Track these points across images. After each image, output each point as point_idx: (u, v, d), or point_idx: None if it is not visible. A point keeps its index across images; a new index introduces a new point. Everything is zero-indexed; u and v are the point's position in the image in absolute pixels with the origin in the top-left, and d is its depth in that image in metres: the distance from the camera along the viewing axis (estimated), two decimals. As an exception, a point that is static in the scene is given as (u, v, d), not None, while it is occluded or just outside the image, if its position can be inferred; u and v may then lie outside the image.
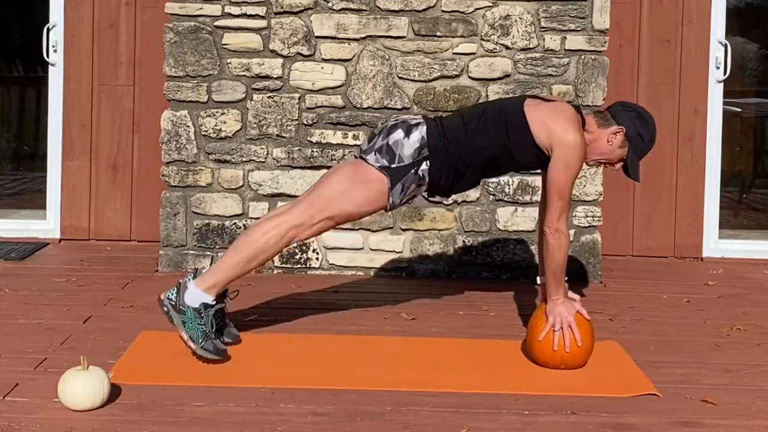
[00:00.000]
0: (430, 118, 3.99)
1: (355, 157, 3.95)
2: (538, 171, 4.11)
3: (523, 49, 5.35)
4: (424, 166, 3.89)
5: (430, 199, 4.17)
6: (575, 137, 3.84)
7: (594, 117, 4.01)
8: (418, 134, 3.89)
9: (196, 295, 3.76)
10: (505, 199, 5.38)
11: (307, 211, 3.85)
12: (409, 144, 3.87)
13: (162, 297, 3.80)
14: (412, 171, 3.88)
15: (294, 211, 3.87)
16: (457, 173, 3.94)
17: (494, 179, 5.30)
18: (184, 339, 3.73)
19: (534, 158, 3.93)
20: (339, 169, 3.98)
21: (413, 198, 4.03)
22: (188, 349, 3.75)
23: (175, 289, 3.78)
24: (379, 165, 3.86)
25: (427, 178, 3.90)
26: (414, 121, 3.94)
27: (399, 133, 3.89)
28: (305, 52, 5.34)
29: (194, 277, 3.80)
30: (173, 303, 3.76)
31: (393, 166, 3.86)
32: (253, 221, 5.36)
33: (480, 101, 5.31)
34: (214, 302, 3.78)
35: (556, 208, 3.85)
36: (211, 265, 5.34)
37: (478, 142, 3.92)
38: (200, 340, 3.71)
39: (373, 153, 3.88)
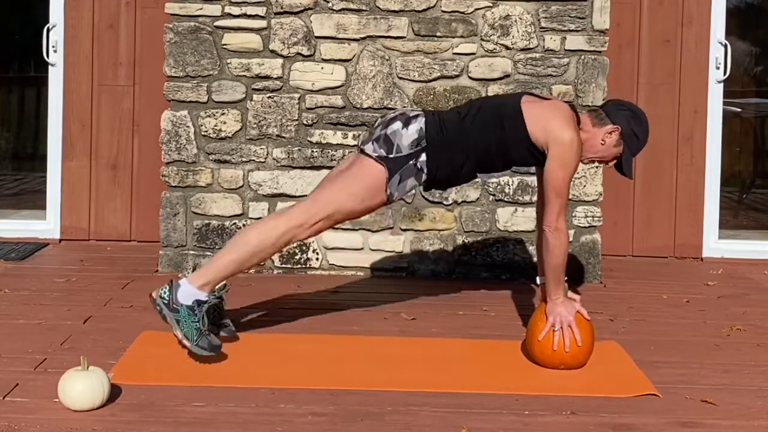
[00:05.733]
0: (429, 112, 4.00)
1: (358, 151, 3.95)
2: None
3: (523, 50, 5.35)
4: (423, 157, 3.88)
5: (425, 192, 4.14)
6: (572, 135, 3.84)
7: (589, 116, 4.02)
8: (417, 126, 3.89)
9: (189, 292, 3.75)
10: (505, 199, 5.38)
11: (307, 211, 3.85)
12: (407, 135, 3.87)
13: (154, 295, 3.77)
14: (410, 162, 3.87)
15: (293, 212, 3.87)
16: (454, 166, 3.93)
17: (495, 180, 5.30)
18: (178, 338, 3.72)
19: (528, 155, 3.93)
20: (337, 167, 4.00)
21: (412, 190, 4.01)
22: (184, 348, 3.76)
23: (167, 288, 3.76)
24: (376, 155, 3.86)
25: (425, 170, 3.90)
26: (413, 114, 3.95)
27: (397, 124, 3.89)
28: (305, 52, 5.34)
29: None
30: (166, 302, 3.74)
31: (391, 156, 3.86)
32: (252, 221, 5.36)
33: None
34: (207, 298, 3.78)
35: (555, 206, 3.85)
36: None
37: (474, 137, 3.92)
38: (194, 338, 3.70)
39: (371, 143, 3.89)
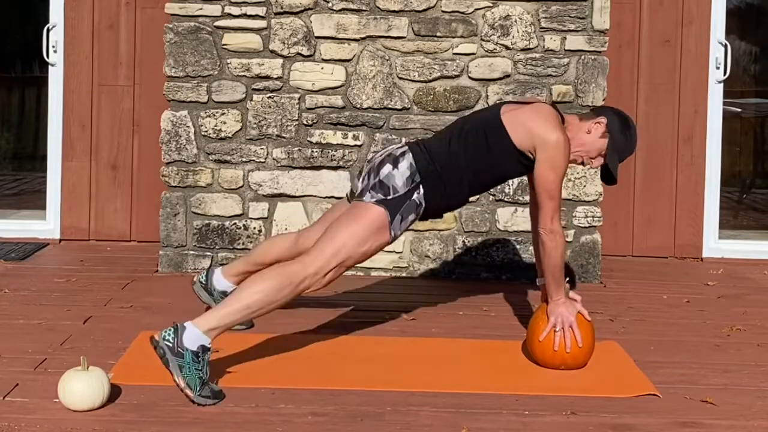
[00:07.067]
0: (413, 143, 3.97)
1: (349, 201, 3.94)
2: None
3: (523, 50, 5.35)
4: (419, 191, 3.86)
5: (420, 222, 4.12)
6: (557, 135, 3.83)
7: (577, 115, 4.04)
8: (407, 162, 3.86)
9: (195, 336, 3.49)
10: (505, 199, 5.38)
11: (318, 259, 3.71)
12: (399, 174, 3.84)
13: (157, 338, 3.45)
14: (408, 199, 3.84)
15: (305, 261, 3.71)
16: (451, 194, 3.92)
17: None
18: (180, 386, 3.41)
19: (519, 166, 3.92)
20: (340, 216, 3.90)
21: (412, 224, 3.98)
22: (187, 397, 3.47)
23: (172, 330, 3.46)
24: (375, 200, 3.81)
25: (423, 203, 3.87)
26: (398, 151, 3.90)
27: (387, 167, 3.85)
28: (305, 52, 5.34)
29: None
30: (170, 345, 3.45)
31: (389, 198, 3.82)
32: (252, 221, 5.36)
33: (476, 103, 5.32)
34: (211, 346, 3.53)
35: (548, 208, 3.84)
36: (210, 266, 5.34)
37: (463, 160, 3.90)
38: (197, 388, 3.44)
39: (368, 192, 3.84)
